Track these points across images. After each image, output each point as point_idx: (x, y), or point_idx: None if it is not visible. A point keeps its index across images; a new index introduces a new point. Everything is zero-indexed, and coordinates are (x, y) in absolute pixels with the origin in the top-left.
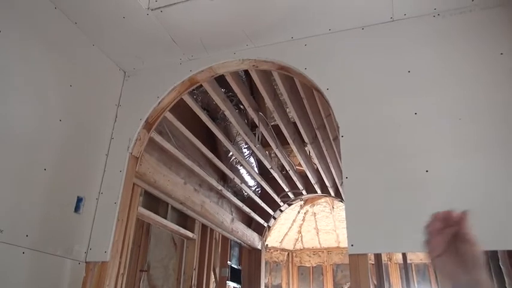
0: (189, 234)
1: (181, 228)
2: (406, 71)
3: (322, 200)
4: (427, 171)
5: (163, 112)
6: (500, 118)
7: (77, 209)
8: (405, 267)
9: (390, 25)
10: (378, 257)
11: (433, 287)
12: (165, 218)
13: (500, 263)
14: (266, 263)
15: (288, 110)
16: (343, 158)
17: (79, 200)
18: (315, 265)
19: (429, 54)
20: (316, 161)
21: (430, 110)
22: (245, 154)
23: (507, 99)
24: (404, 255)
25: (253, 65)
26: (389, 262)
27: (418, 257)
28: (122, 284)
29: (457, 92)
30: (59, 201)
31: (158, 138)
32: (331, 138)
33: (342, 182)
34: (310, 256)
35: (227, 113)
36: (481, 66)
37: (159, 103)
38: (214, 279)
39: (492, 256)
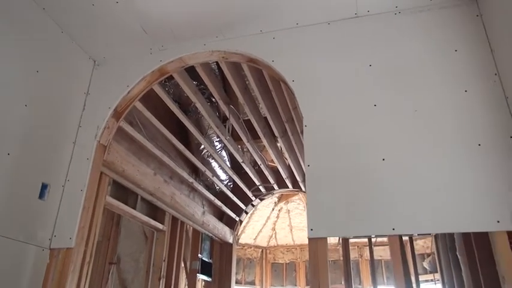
0: (159, 225)
1: (151, 219)
2: (367, 64)
3: (296, 197)
4: (383, 159)
5: (133, 101)
6: (451, 110)
7: (41, 195)
8: (371, 252)
9: (354, 21)
10: (346, 250)
11: None
12: (134, 209)
13: (457, 253)
14: (240, 259)
15: (258, 103)
16: (306, 147)
17: (44, 186)
18: (288, 262)
19: (389, 49)
20: (286, 155)
21: (389, 102)
22: (217, 147)
23: (459, 92)
24: (370, 241)
25: (223, 57)
26: (360, 259)
27: (387, 253)
28: (87, 272)
29: (414, 86)
30: (23, 187)
31: (128, 128)
32: (299, 131)
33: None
34: (283, 253)
35: (198, 105)
36: (437, 62)
37: (128, 92)
38: (185, 272)
39: (451, 247)
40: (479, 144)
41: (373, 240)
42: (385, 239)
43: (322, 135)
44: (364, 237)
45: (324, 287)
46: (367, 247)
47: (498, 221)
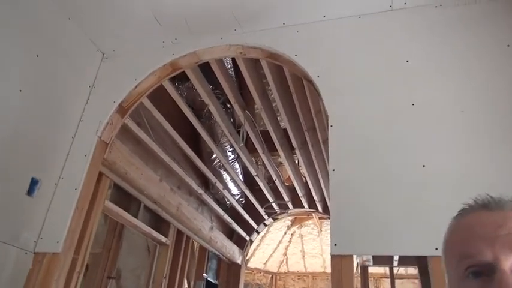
0: (162, 238)
1: (153, 231)
2: (404, 60)
3: (310, 221)
4: (423, 165)
5: (141, 97)
6: (505, 111)
7: (30, 191)
8: (392, 283)
9: (389, 14)
10: (364, 280)
11: None
12: (136, 218)
13: None
14: (248, 284)
15: (276, 109)
16: (331, 150)
17: (34, 182)
18: None
19: (430, 44)
20: (304, 170)
21: (429, 101)
22: (230, 158)
23: None
24: (391, 270)
25: (241, 52)
26: None
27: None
28: (76, 283)
29: (460, 84)
30: (9, 180)
31: (134, 128)
32: (320, 141)
33: (329, 176)
34: (294, 280)
35: (212, 108)
36: (486, 58)
37: (136, 87)
38: None
39: None
40: None
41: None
42: (403, 271)
43: (351, 136)
44: (386, 265)
45: None
46: (384, 279)
47: None
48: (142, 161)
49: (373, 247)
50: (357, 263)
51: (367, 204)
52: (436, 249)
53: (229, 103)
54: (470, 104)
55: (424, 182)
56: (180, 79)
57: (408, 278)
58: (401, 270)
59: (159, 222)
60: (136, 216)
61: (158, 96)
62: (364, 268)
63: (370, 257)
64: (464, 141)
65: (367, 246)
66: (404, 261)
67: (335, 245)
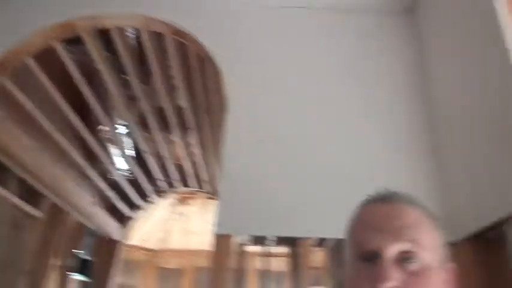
0: (34, 212)
1: (24, 203)
2: (303, 56)
3: (195, 200)
4: (310, 154)
5: (24, 56)
6: (392, 112)
7: None
8: (266, 263)
9: (297, 11)
10: (242, 260)
11: None
12: (5, 189)
13: None
14: (126, 261)
15: (174, 83)
16: (226, 132)
17: None
18: (177, 267)
19: (323, 45)
20: (196, 150)
21: (321, 98)
22: (120, 132)
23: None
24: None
25: (145, 24)
26: (248, 269)
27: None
28: None
29: (352, 83)
30: None
31: (12, 88)
32: (216, 125)
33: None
34: (174, 258)
35: (106, 76)
36: (373, 64)
37: (19, 44)
38: (58, 269)
39: None
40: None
41: (267, 249)
42: (277, 250)
43: (247, 121)
44: (263, 245)
45: None
46: (260, 257)
47: None
48: (18, 127)
49: (252, 228)
50: (236, 242)
51: (252, 188)
52: (308, 232)
53: (127, 74)
54: (360, 102)
55: (311, 173)
56: (76, 42)
57: (281, 257)
58: (276, 249)
59: (32, 195)
60: (5, 187)
61: (48, 58)
62: (242, 247)
63: (249, 237)
64: (347, 131)
65: (246, 227)
66: (279, 241)
67: (218, 224)
